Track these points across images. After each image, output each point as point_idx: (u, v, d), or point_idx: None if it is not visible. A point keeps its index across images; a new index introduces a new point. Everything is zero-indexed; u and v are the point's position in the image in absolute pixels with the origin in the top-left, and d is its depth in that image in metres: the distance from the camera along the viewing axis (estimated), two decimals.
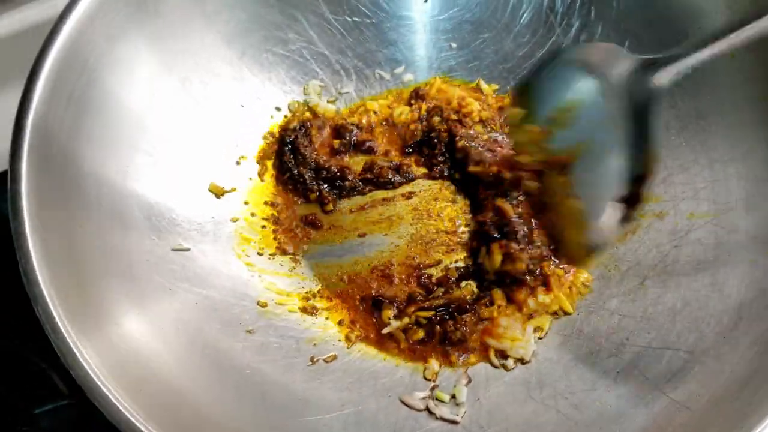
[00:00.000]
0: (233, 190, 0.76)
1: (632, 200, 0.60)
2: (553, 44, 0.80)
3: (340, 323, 0.71)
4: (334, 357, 0.68)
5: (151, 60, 0.70)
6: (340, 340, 0.69)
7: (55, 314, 0.52)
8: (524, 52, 0.82)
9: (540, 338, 0.68)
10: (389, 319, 0.69)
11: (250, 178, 0.78)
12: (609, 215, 0.61)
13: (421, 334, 0.69)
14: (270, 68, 0.81)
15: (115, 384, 0.51)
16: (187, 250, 0.70)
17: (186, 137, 0.74)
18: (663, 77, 0.58)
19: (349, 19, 0.82)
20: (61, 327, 0.52)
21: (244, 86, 0.79)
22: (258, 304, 0.70)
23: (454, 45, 0.84)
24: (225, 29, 0.77)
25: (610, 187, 0.61)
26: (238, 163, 0.78)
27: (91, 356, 0.52)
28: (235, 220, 0.75)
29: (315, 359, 0.67)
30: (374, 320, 0.71)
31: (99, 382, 0.51)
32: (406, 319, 0.69)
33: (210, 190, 0.75)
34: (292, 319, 0.70)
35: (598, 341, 0.66)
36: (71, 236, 0.60)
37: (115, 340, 0.57)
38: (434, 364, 0.67)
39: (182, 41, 0.73)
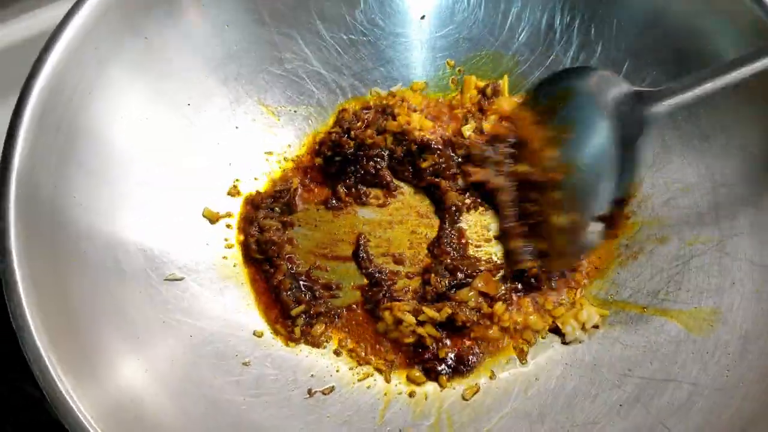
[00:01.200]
0: (228, 215, 0.75)
1: (609, 220, 0.66)
2: (553, 62, 0.78)
3: (336, 353, 0.70)
4: (332, 389, 0.67)
5: (140, 85, 0.69)
6: (338, 371, 0.68)
7: (48, 362, 0.51)
8: (523, 70, 0.80)
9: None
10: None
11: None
12: (589, 231, 0.65)
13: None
14: (266, 88, 0.79)
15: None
16: (181, 279, 0.68)
17: (179, 162, 0.72)
18: (659, 109, 0.60)
19: (345, 37, 0.80)
20: (54, 376, 0.51)
21: (239, 107, 0.78)
22: (254, 334, 0.69)
23: (451, 63, 0.82)
24: (219, 50, 0.75)
25: (592, 207, 0.65)
26: (234, 186, 0.76)
27: (84, 405, 0.51)
28: (230, 247, 0.73)
29: (313, 392, 0.66)
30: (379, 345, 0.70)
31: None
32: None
33: (204, 216, 0.73)
34: (288, 348, 0.69)
35: (601, 371, 0.65)
36: (62, 273, 0.58)
37: (109, 384, 0.56)
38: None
39: (172, 64, 0.71)
